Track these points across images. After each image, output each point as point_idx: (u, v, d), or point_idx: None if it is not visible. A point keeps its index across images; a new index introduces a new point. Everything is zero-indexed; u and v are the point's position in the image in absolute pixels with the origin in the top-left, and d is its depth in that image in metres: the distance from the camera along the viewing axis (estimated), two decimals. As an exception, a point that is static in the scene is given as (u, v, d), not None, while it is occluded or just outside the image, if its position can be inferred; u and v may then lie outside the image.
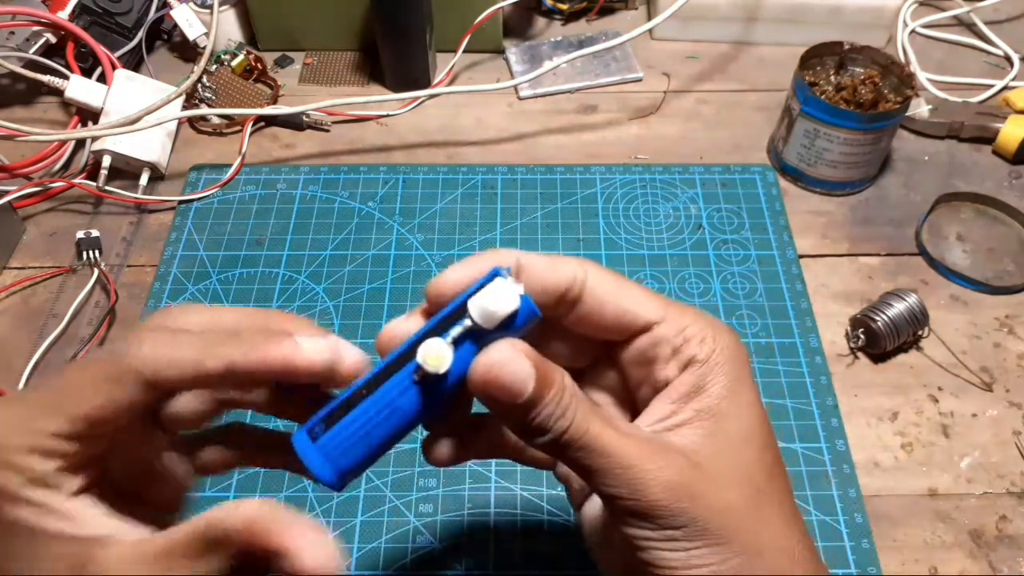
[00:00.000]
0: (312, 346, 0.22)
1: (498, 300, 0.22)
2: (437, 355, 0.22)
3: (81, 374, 0.22)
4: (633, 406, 0.27)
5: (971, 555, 0.38)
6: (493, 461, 0.40)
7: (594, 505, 0.27)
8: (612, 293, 0.24)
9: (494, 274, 0.22)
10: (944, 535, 0.39)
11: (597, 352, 0.27)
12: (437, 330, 0.22)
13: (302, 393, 0.25)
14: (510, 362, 0.21)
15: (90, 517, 0.21)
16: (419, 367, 0.22)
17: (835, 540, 0.38)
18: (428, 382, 0.22)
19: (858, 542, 0.38)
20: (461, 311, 0.22)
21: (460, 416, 0.25)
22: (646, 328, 0.24)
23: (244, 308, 0.24)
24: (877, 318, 0.43)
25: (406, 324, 0.24)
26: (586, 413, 0.22)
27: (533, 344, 0.23)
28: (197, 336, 0.22)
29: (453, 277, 0.23)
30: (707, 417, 0.23)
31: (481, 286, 0.22)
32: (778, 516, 0.23)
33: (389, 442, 0.23)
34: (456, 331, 0.22)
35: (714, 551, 0.22)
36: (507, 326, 0.22)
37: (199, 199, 0.52)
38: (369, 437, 0.22)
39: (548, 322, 0.24)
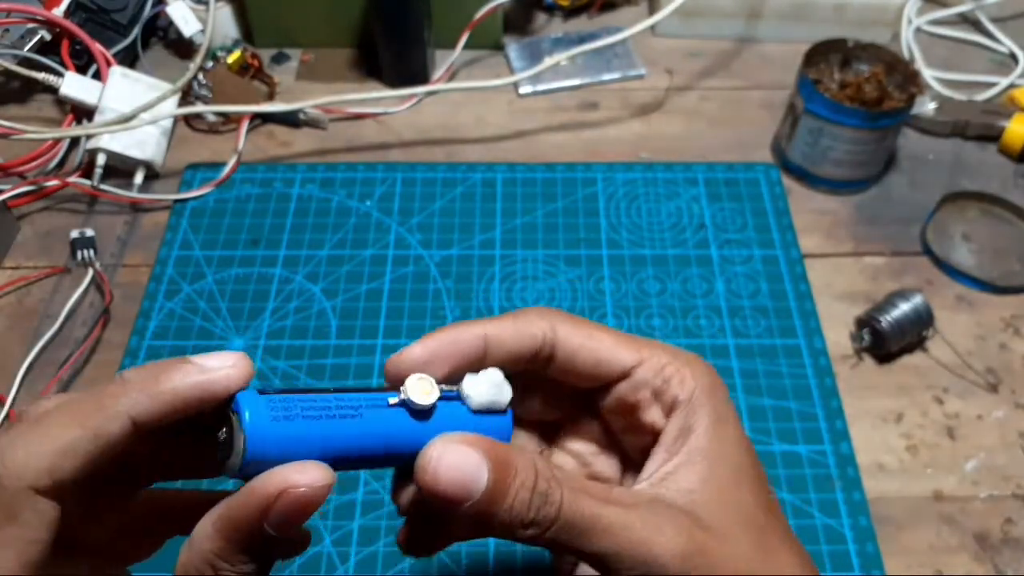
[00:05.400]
0: (217, 361, 0.20)
1: (498, 392, 0.22)
2: (422, 390, 0.21)
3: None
4: (621, 452, 0.26)
5: (976, 558, 0.38)
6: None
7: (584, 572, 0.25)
8: (583, 345, 0.23)
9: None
10: (949, 538, 0.38)
11: (575, 402, 0.26)
12: None
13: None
14: (447, 457, 0.19)
15: None
16: (403, 392, 0.21)
17: (839, 543, 0.37)
18: (402, 412, 0.21)
19: (863, 545, 0.37)
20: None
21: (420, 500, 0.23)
22: (623, 375, 0.24)
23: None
24: (882, 319, 0.43)
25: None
26: (575, 493, 0.20)
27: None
28: (71, 409, 0.19)
29: (412, 355, 0.22)
30: (699, 459, 0.22)
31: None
32: (785, 553, 0.23)
33: (339, 446, 0.20)
34: (448, 387, 0.22)
35: None
36: (480, 420, 0.22)
37: (194, 198, 0.52)
38: (319, 422, 0.20)
39: (521, 377, 0.24)
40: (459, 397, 0.22)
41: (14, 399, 0.42)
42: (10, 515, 0.18)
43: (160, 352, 0.44)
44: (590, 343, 0.23)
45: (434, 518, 0.23)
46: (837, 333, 0.45)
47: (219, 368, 0.20)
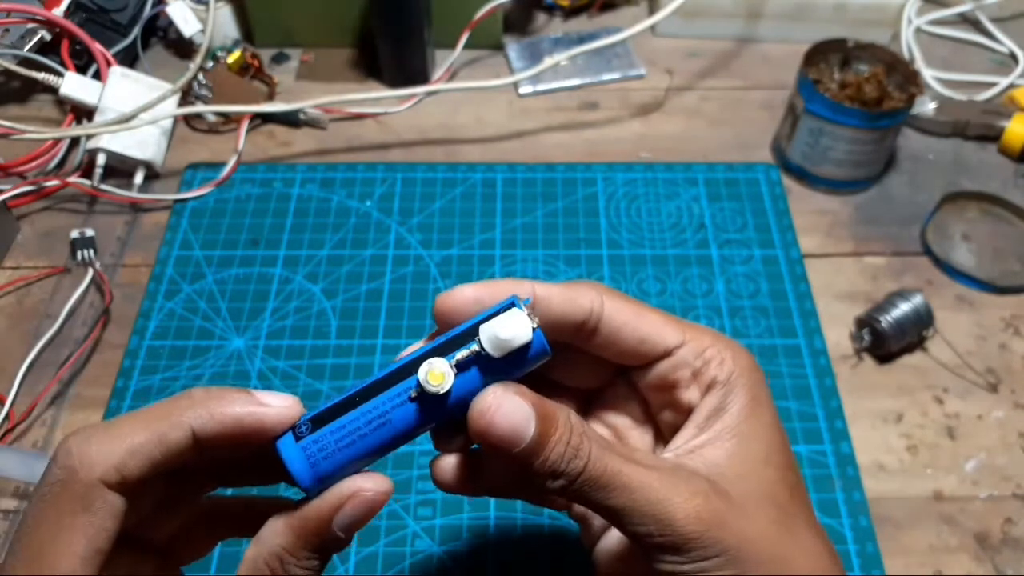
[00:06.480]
0: (273, 400, 0.22)
1: (511, 330, 0.21)
2: (438, 374, 0.21)
3: (49, 532, 0.20)
4: (654, 426, 0.27)
5: (976, 558, 0.38)
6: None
7: (610, 542, 0.26)
8: (630, 323, 0.24)
9: (510, 303, 0.22)
10: (949, 538, 0.38)
11: (613, 372, 0.26)
12: (443, 349, 0.22)
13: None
14: (504, 407, 0.21)
15: None
16: (418, 383, 0.21)
17: (840, 543, 0.37)
18: (425, 400, 0.22)
19: (863, 545, 0.37)
20: (471, 334, 0.22)
21: (467, 444, 0.24)
22: (666, 354, 0.24)
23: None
24: (882, 319, 0.43)
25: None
26: (601, 450, 0.21)
27: (546, 366, 0.23)
28: (141, 415, 0.21)
29: (463, 294, 0.23)
30: (729, 437, 0.23)
31: (495, 312, 0.22)
32: (806, 535, 0.23)
33: (375, 454, 0.22)
34: (461, 354, 0.22)
35: None
36: (516, 359, 0.22)
37: (194, 198, 0.52)
38: (354, 446, 0.22)
39: (562, 346, 0.24)
40: (479, 354, 0.22)
41: (14, 399, 0.42)
42: (85, 505, 0.20)
43: (160, 352, 0.44)
44: (636, 321, 0.24)
45: (478, 461, 0.24)
46: (837, 333, 0.45)
47: (275, 406, 0.22)
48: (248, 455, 0.23)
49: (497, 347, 0.21)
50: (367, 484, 0.21)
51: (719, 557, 0.21)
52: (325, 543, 0.22)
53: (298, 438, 0.22)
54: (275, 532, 0.22)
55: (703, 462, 0.23)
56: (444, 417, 0.22)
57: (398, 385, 0.22)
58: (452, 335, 0.22)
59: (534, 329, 0.22)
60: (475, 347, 0.22)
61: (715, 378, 0.24)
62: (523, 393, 0.21)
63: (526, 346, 0.21)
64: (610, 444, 0.22)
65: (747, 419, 0.23)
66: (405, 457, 0.40)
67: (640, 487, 0.21)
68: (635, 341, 0.24)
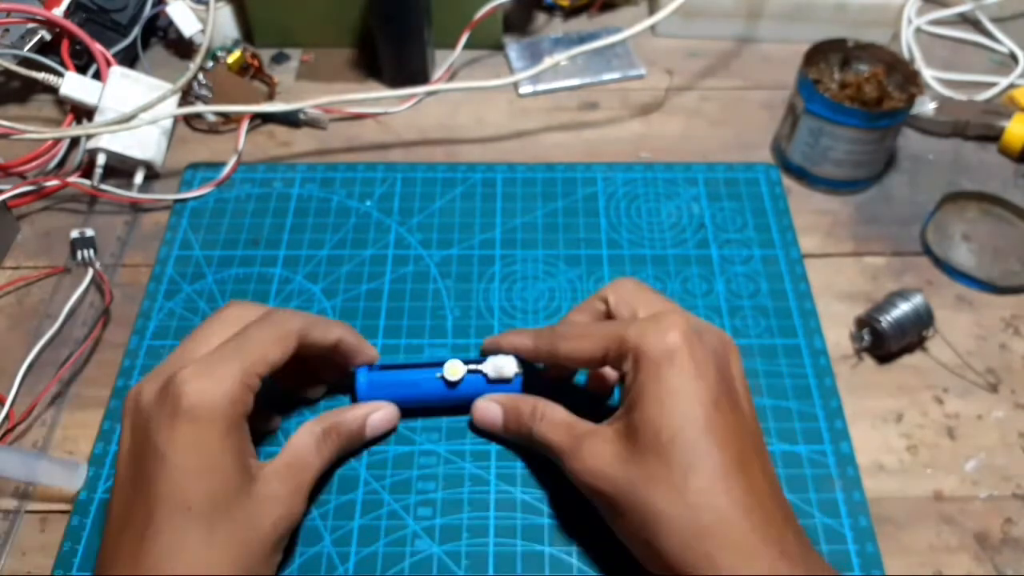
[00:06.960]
0: (369, 346, 0.40)
1: (504, 365, 0.38)
2: (455, 370, 0.38)
3: (264, 335, 0.34)
4: None
5: (976, 558, 0.38)
6: (493, 465, 0.39)
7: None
8: (572, 354, 0.36)
9: (513, 356, 0.39)
10: (949, 538, 0.38)
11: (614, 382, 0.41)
12: (468, 362, 0.39)
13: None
14: (485, 408, 0.39)
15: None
16: (442, 371, 0.38)
17: (840, 543, 0.37)
18: (444, 382, 0.38)
19: (863, 546, 0.37)
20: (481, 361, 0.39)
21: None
22: (601, 363, 0.35)
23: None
24: (882, 319, 0.43)
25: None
26: (540, 425, 0.36)
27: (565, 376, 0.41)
28: (315, 317, 0.37)
29: (496, 343, 0.41)
30: (625, 410, 0.33)
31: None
32: (654, 467, 0.31)
33: (404, 400, 0.39)
34: (472, 366, 0.39)
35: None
36: (503, 385, 0.39)
37: (195, 198, 0.52)
38: (393, 389, 0.39)
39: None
40: (480, 371, 0.38)
41: (14, 399, 0.42)
42: (285, 339, 0.35)
43: (160, 352, 0.44)
44: (572, 349, 0.36)
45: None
46: (837, 333, 0.45)
47: (369, 347, 0.40)
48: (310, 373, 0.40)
49: (493, 371, 0.38)
50: (389, 407, 0.39)
51: (613, 497, 0.32)
52: (356, 433, 0.38)
53: (369, 369, 0.39)
54: (339, 411, 0.38)
55: (614, 428, 0.33)
56: (453, 402, 0.39)
57: (433, 368, 0.39)
58: (477, 358, 0.39)
59: (516, 374, 0.39)
60: (481, 366, 0.38)
61: (625, 373, 0.33)
62: (498, 400, 0.38)
63: (508, 380, 0.38)
64: (551, 423, 0.36)
65: (641, 397, 0.32)
66: (405, 457, 0.40)
67: (558, 446, 0.35)
68: (577, 364, 0.37)
